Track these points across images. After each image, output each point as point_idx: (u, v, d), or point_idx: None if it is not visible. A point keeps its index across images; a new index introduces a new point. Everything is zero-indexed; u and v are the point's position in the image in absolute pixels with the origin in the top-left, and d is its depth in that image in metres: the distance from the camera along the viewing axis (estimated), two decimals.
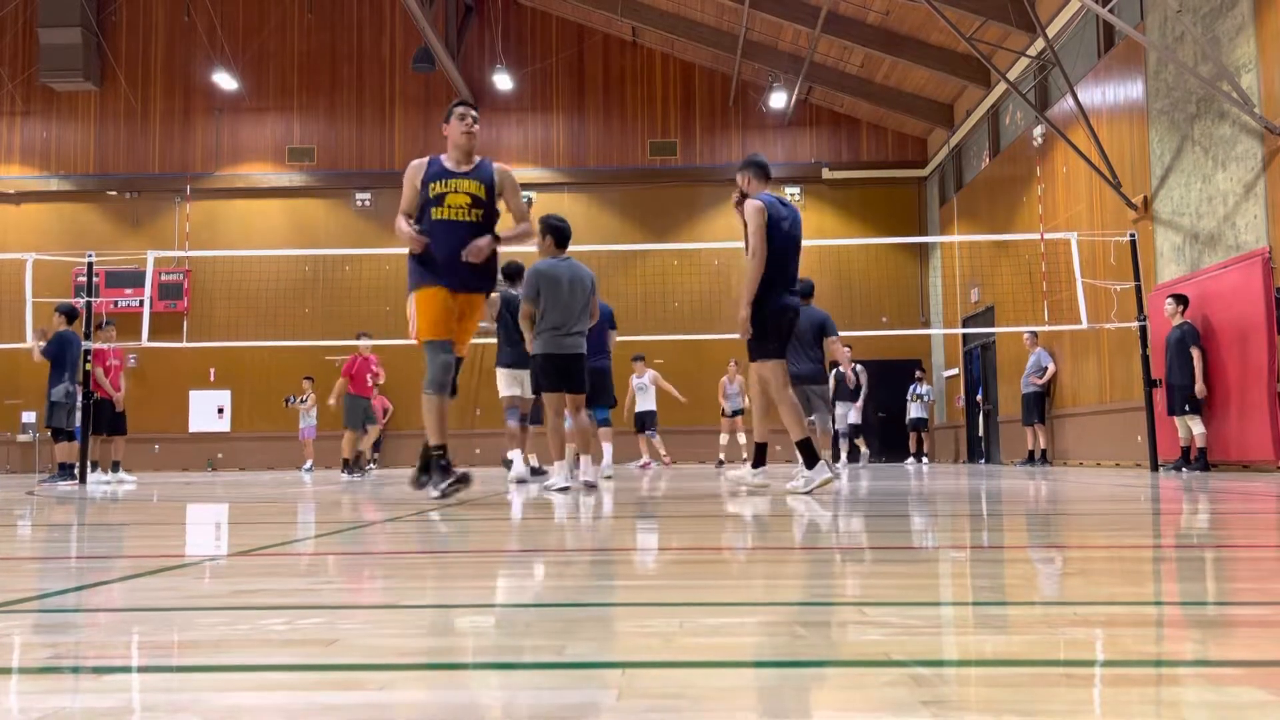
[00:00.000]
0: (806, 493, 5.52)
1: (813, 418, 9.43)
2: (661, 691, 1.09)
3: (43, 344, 10.92)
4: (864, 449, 16.71)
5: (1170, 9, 11.04)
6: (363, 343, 12.40)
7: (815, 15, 16.36)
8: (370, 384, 12.30)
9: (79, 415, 10.78)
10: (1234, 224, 10.15)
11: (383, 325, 18.74)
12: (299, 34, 21.18)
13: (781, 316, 6.04)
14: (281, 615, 1.62)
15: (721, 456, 16.26)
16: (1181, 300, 10.44)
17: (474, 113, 5.51)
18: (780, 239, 5.95)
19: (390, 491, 7.32)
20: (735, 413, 16.00)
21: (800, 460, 5.77)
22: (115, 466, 11.71)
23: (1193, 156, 10.89)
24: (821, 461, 5.69)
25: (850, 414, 15.67)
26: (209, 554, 2.87)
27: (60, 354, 10.88)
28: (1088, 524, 3.63)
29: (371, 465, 12.25)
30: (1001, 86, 15.62)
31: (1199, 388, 10.18)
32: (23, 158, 21.06)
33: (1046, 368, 14.52)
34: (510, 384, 9.02)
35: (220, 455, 20.21)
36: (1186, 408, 10.25)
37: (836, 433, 14.43)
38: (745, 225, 6.02)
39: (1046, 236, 13.19)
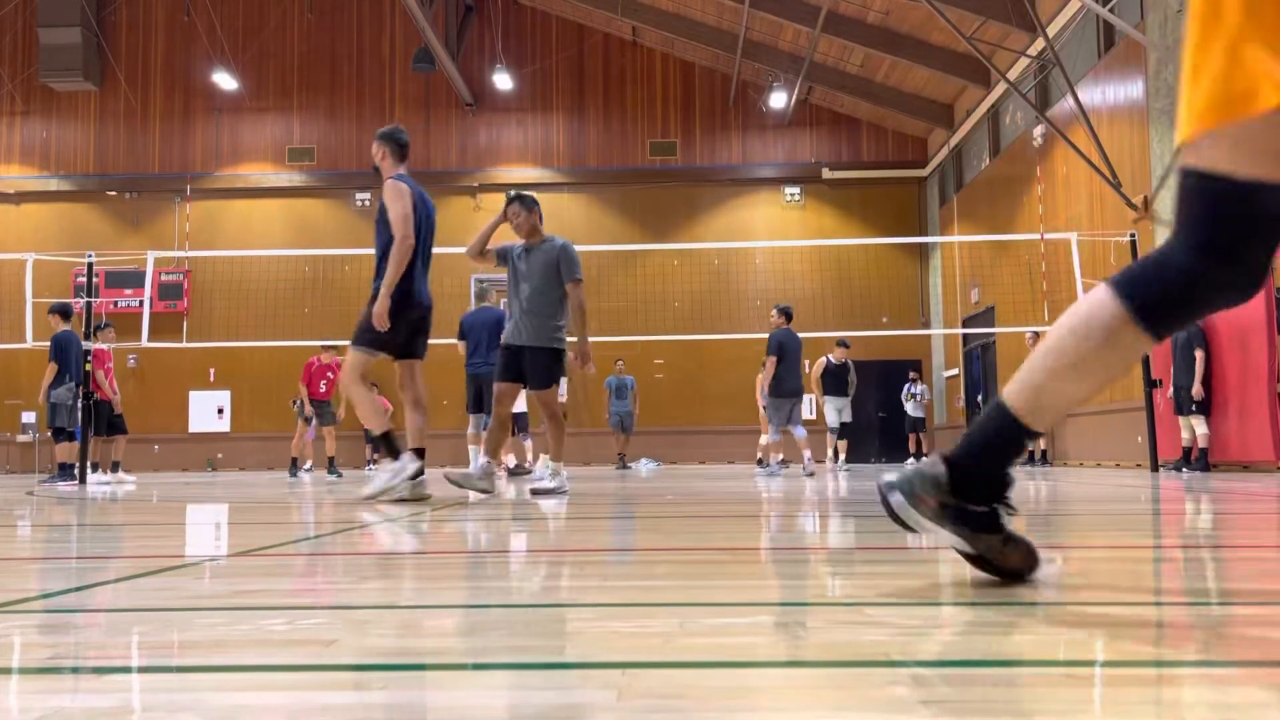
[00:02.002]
0: (391, 488, 5.27)
1: (793, 426, 10.90)
2: (662, 691, 1.09)
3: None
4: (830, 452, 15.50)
5: (1170, 9, 11.03)
6: (325, 346, 13.19)
7: (815, 15, 16.36)
8: (323, 389, 13.00)
9: (80, 415, 10.78)
10: None
11: None
12: (299, 34, 21.19)
13: (412, 309, 5.58)
14: (281, 615, 1.62)
15: (761, 455, 15.81)
16: None
17: None
18: (419, 223, 5.59)
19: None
20: None
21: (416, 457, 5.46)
22: (115, 467, 11.72)
23: None
24: (405, 455, 5.36)
25: (845, 411, 14.41)
26: (209, 554, 2.86)
27: (64, 356, 10.84)
28: (1088, 524, 3.63)
29: (308, 467, 13.64)
30: (1001, 86, 15.62)
31: (1196, 389, 10.20)
32: (23, 158, 21.06)
33: None
34: None
35: (220, 455, 20.22)
36: (1193, 408, 10.25)
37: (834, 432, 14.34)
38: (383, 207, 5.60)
39: (1046, 237, 13.20)
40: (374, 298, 5.45)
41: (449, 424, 19.95)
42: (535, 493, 5.97)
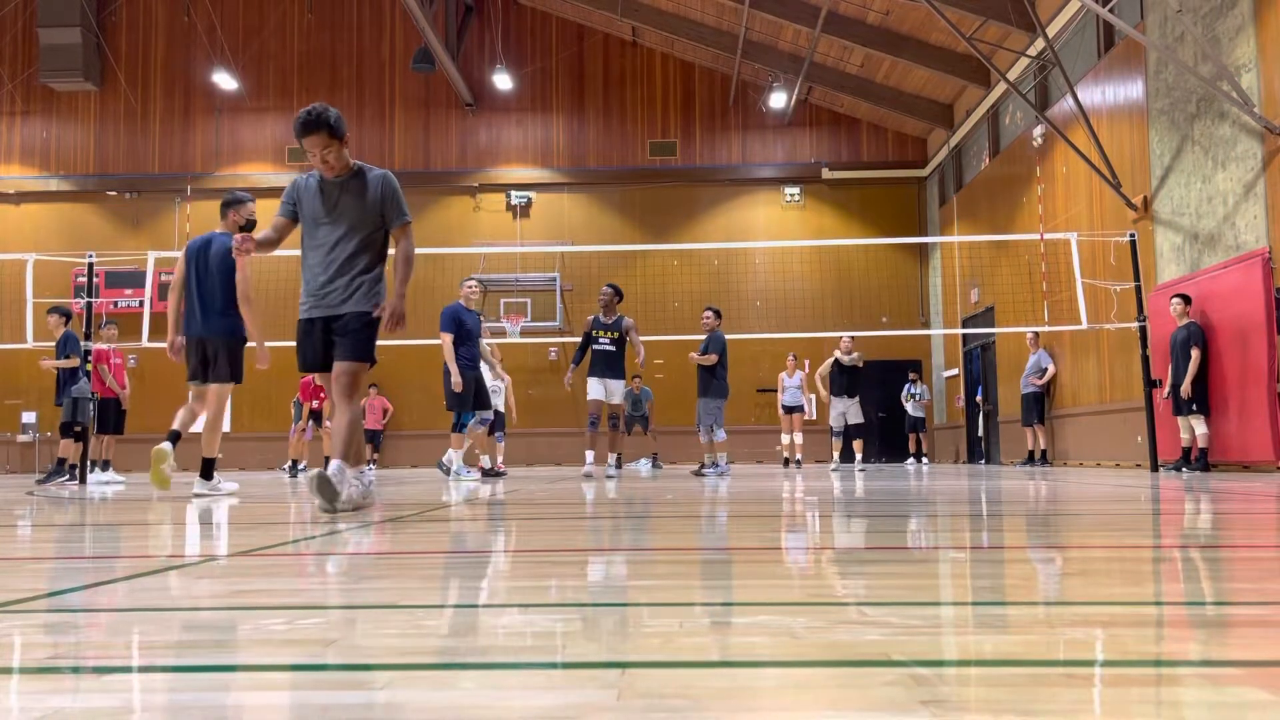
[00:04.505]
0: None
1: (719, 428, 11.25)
2: (661, 691, 1.09)
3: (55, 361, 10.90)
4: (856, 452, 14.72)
5: (1170, 9, 11.03)
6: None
7: (815, 15, 16.36)
8: (315, 405, 15.35)
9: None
10: (1234, 224, 10.15)
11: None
12: (299, 34, 21.18)
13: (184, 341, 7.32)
14: (281, 615, 1.62)
15: (787, 455, 15.54)
16: (1187, 300, 10.44)
17: None
18: (190, 272, 7.12)
19: (391, 491, 7.32)
20: (794, 409, 15.48)
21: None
22: (105, 465, 11.74)
23: (1193, 156, 10.89)
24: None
25: (853, 413, 14.05)
26: (209, 554, 2.86)
27: (78, 351, 10.83)
28: (1088, 524, 3.63)
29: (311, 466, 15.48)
30: (1001, 86, 15.62)
31: (1185, 388, 10.21)
32: (23, 158, 21.05)
33: (1046, 369, 14.50)
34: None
35: (220, 455, 20.20)
36: (1193, 407, 10.25)
37: (837, 431, 14.30)
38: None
39: (1046, 237, 13.19)
40: None
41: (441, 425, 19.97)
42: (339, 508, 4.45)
